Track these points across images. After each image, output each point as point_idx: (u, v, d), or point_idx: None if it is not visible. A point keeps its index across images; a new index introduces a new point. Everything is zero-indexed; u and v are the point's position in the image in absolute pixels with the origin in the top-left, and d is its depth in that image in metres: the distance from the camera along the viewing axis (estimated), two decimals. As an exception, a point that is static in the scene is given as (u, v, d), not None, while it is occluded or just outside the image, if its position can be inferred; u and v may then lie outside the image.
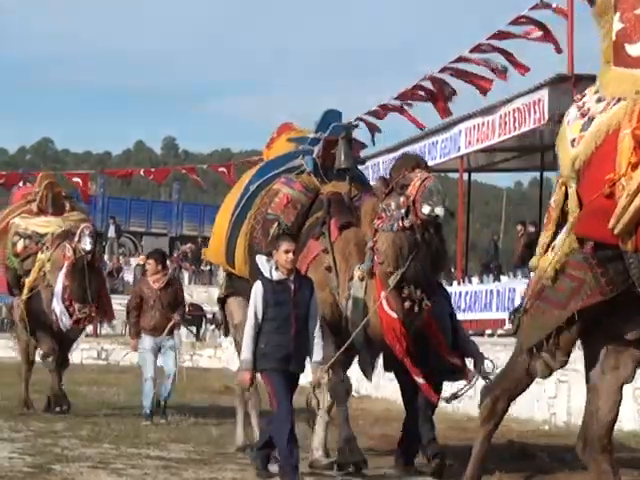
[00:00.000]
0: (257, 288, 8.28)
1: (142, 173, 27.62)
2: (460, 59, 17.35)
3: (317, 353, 8.33)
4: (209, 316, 33.48)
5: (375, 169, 21.99)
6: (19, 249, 14.53)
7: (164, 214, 43.26)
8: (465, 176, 21.69)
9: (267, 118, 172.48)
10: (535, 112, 16.38)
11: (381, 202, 8.66)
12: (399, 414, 9.99)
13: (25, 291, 14.16)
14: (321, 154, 10.01)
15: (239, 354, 9.37)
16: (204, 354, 29.89)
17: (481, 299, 17.79)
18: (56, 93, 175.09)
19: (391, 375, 9.74)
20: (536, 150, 21.97)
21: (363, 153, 22.26)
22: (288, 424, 8.00)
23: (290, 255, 8.21)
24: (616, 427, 12.31)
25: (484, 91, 17.10)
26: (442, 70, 18.00)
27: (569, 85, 15.61)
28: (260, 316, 8.20)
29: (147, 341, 13.01)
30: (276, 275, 8.25)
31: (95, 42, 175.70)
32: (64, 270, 13.62)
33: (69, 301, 13.62)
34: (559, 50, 15.58)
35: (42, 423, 12.20)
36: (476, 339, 17.36)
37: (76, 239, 13.62)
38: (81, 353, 28.95)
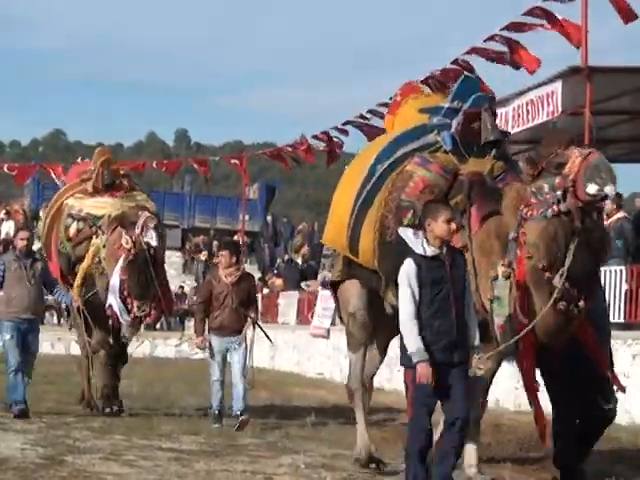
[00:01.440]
0: (409, 268, 7.09)
1: (154, 165, 27.54)
2: (472, 50, 17.27)
3: (475, 336, 7.19)
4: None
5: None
6: (72, 233, 13.25)
7: (176, 206, 43.22)
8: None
9: (279, 110, 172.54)
10: (548, 104, 16.29)
11: (530, 186, 7.53)
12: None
13: (78, 280, 12.92)
14: (460, 129, 8.57)
15: (351, 347, 9.20)
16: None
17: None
18: (68, 85, 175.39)
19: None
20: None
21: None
22: (423, 442, 7.02)
23: (453, 225, 7.13)
24: (628, 419, 12.35)
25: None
26: (454, 62, 17.93)
27: (583, 77, 15.52)
28: (417, 299, 7.06)
29: (215, 341, 11.80)
30: (430, 250, 7.11)
31: (109, 35, 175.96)
32: (121, 263, 12.29)
33: (127, 297, 12.38)
34: (577, 42, 15.46)
35: (54, 415, 12.22)
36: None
37: (137, 231, 12.25)
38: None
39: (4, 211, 32.33)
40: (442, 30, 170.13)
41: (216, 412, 11.77)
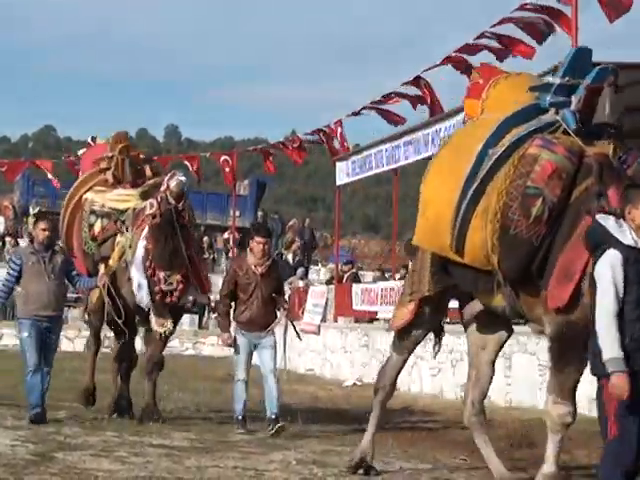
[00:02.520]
0: (615, 260, 6.07)
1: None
2: (465, 47, 17.39)
3: None
4: (212, 304, 33.51)
5: (378, 157, 21.94)
6: (97, 231, 12.03)
7: (166, 202, 43.14)
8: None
9: (270, 105, 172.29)
10: (539, 100, 16.30)
11: None
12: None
13: (101, 282, 11.43)
14: (581, 106, 7.62)
15: (397, 348, 8.52)
16: (207, 342, 29.93)
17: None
18: (58, 80, 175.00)
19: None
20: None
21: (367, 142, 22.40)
22: (628, 465, 5.95)
23: None
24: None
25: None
26: (446, 58, 18.03)
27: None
28: (621, 297, 6.02)
29: (241, 338, 10.95)
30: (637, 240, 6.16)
31: (98, 29, 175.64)
32: (146, 231, 11.19)
33: (152, 270, 11.13)
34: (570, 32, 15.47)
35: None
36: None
37: (163, 187, 11.12)
38: (82, 341, 29.04)
39: (-5, 207, 32.32)
40: (427, 27, 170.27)
41: (240, 417, 10.98)
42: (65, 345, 25.24)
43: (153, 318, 11.30)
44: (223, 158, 29.09)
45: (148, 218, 11.11)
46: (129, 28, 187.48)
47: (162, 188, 11.11)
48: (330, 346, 22.56)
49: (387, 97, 20.85)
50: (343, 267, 25.50)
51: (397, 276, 22.15)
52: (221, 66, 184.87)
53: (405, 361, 8.76)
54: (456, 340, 14.84)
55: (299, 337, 12.24)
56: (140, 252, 11.14)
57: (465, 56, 17.58)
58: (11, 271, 11.11)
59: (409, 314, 8.34)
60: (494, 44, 16.81)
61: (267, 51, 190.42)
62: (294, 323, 11.72)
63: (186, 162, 27.65)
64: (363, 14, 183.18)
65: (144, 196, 11.74)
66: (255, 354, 11.05)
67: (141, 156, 12.73)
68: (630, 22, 15.04)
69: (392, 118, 21.48)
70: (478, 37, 17.09)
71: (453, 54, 17.80)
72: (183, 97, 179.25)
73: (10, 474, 7.72)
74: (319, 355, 23.22)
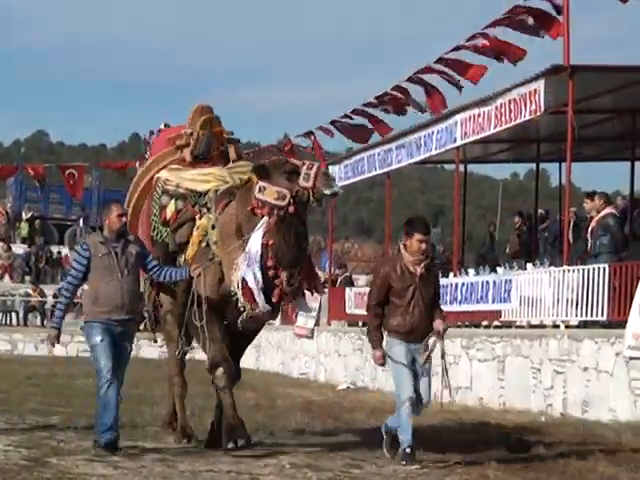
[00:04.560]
0: None
1: (137, 165, 27.55)
2: (457, 48, 17.42)
3: None
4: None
5: (371, 160, 21.97)
6: (169, 215, 10.25)
7: (160, 206, 43.15)
8: (461, 167, 21.67)
9: (265, 109, 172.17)
10: (531, 103, 16.35)
11: None
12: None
13: (196, 272, 9.55)
14: None
15: None
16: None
17: (477, 290, 17.80)
18: (51, 85, 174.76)
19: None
20: (532, 141, 21.98)
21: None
22: None
23: None
24: (611, 418, 12.41)
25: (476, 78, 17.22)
26: (437, 61, 18.04)
27: (565, 76, 15.58)
28: None
29: (399, 349, 9.00)
30: None
31: (90, 34, 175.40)
32: (268, 222, 9.17)
33: (273, 269, 9.21)
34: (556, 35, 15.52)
35: (38, 416, 12.17)
36: (471, 330, 17.47)
37: (301, 179, 9.08)
38: (77, 346, 29.01)
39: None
40: (427, 29, 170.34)
41: (409, 450, 8.86)
42: (58, 350, 25.17)
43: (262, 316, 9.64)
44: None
45: (267, 208, 9.17)
46: (122, 33, 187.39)
47: (303, 182, 9.06)
48: (324, 350, 22.58)
49: (353, 112, 20.98)
50: (337, 271, 25.48)
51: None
52: (215, 70, 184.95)
53: None
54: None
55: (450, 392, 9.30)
56: (257, 248, 9.19)
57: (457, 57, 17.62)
58: (77, 265, 9.35)
59: None
60: (485, 44, 16.84)
61: (261, 55, 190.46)
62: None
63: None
64: (361, 16, 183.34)
65: (225, 179, 10.20)
66: None
67: (224, 135, 10.75)
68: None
69: (355, 136, 21.61)
70: (470, 39, 17.12)
71: (445, 55, 17.82)
72: (175, 102, 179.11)
73: (3, 479, 7.70)
74: (313, 359, 23.24)
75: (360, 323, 20.25)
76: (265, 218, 9.20)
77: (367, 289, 21.15)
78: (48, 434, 10.40)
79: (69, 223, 41.33)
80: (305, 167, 9.15)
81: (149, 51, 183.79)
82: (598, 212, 15.63)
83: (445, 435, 11.16)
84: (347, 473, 8.62)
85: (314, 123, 23.16)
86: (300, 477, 8.31)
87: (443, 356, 8.92)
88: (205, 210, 10.01)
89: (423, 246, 9.03)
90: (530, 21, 15.61)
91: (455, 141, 19.22)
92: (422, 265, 9.02)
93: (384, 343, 9.19)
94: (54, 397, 13.97)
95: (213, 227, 9.82)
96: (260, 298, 9.25)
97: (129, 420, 11.88)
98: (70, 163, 29.60)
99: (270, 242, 9.18)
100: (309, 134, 23.56)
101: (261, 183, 9.25)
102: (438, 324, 9.02)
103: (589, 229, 15.95)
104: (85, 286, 9.42)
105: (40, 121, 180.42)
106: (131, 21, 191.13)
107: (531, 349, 14.59)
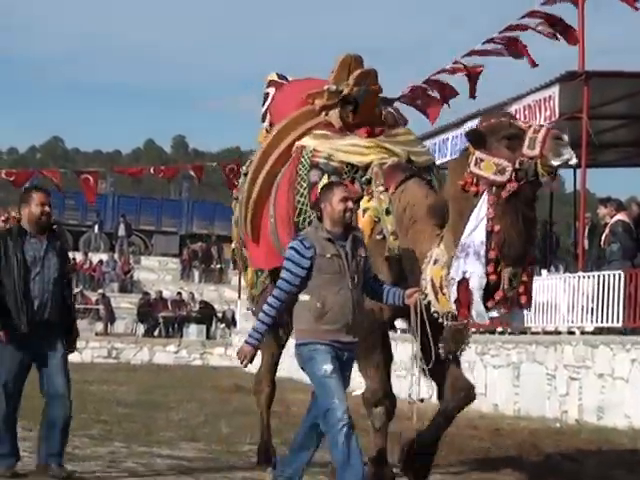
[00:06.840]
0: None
1: (152, 171, 27.63)
2: (472, 53, 17.37)
3: None
4: (219, 314, 33.58)
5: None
6: None
7: (174, 212, 43.25)
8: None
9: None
10: (546, 109, 16.32)
11: None
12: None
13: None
14: None
15: None
16: (214, 352, 29.97)
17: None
18: (67, 92, 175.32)
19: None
20: (547, 147, 21.91)
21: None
22: None
23: None
24: (627, 424, 12.36)
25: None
26: (455, 63, 17.98)
27: (580, 82, 15.55)
28: None
29: None
30: None
31: (107, 41, 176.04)
32: (490, 203, 6.95)
33: (493, 264, 6.90)
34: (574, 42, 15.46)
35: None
36: (486, 337, 17.42)
37: (525, 147, 6.93)
38: (91, 352, 29.10)
39: (3, 217, 32.32)
40: (430, 34, 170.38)
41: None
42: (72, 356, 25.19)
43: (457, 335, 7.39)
44: (229, 167, 29.16)
45: (486, 184, 7.03)
46: (138, 39, 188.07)
47: (527, 150, 6.91)
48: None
49: None
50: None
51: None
52: (228, 77, 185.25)
53: None
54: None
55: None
56: (481, 236, 6.99)
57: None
58: (296, 268, 6.84)
59: None
60: (501, 49, 16.79)
61: (275, 61, 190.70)
62: None
63: (191, 172, 27.74)
64: (372, 23, 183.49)
65: (394, 150, 8.28)
66: None
67: (379, 95, 8.71)
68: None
69: None
70: (486, 42, 17.07)
71: (460, 59, 17.76)
72: (190, 108, 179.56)
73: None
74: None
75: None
76: (484, 198, 7.05)
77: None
78: (63, 440, 10.39)
79: (84, 229, 41.43)
80: (531, 130, 7.03)
81: (167, 56, 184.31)
82: (612, 218, 15.61)
83: (458, 440, 11.13)
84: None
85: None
86: (314, 484, 8.29)
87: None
88: (374, 189, 7.95)
89: None
90: (546, 28, 15.56)
91: (470, 147, 19.12)
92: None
93: None
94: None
95: (388, 212, 7.81)
96: (479, 304, 7.00)
97: (143, 426, 11.90)
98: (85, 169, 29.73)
99: (496, 229, 7.00)
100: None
101: (478, 154, 7.11)
102: None
103: (603, 236, 15.92)
104: (306, 297, 6.85)
105: (56, 127, 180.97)
106: (146, 27, 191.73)
107: (546, 355, 14.54)
